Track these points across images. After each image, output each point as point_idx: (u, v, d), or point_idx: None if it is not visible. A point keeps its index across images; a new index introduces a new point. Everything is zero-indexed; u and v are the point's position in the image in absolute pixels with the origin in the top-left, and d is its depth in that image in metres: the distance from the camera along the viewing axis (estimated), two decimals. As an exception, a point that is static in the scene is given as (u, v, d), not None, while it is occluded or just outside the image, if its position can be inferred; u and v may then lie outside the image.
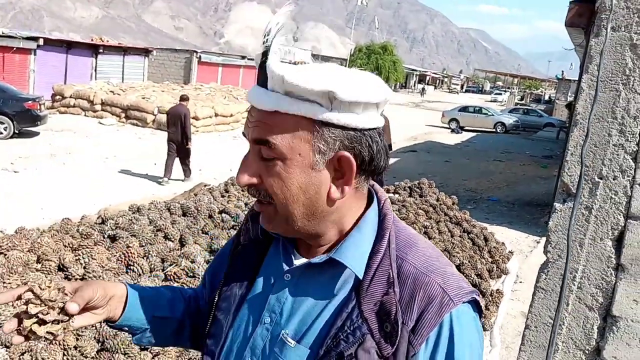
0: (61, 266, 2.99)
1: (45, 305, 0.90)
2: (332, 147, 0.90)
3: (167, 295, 1.20)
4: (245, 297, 1.05)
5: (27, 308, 0.89)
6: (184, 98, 10.72)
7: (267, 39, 0.90)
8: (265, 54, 0.90)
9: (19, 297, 0.91)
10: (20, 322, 0.91)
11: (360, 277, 0.93)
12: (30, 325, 0.89)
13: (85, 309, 0.98)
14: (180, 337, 1.20)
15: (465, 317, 0.92)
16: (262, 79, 0.91)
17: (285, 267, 1.01)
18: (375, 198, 1.02)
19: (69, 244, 3.36)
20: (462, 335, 0.90)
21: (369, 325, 0.90)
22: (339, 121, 0.88)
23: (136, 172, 11.41)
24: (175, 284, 3.19)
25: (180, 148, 10.42)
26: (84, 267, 3.03)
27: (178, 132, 10.26)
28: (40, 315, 0.89)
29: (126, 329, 1.11)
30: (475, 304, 0.94)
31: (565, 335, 2.56)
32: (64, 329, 0.92)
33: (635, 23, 2.37)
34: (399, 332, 0.88)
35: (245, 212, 4.79)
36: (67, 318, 0.92)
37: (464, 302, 0.91)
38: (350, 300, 0.93)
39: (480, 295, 0.99)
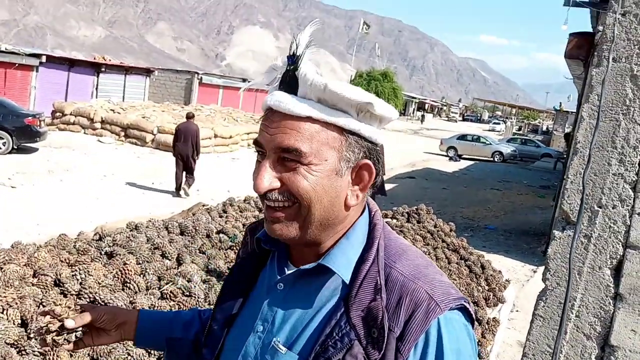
0: (57, 281, 2.97)
1: (55, 318, 1.12)
2: (357, 156, 0.96)
3: (184, 317, 1.27)
4: (240, 308, 1.08)
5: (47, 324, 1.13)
6: (189, 116, 11.37)
7: (296, 49, 0.94)
8: (293, 63, 0.93)
9: (45, 314, 1.16)
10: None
11: (347, 282, 0.95)
12: (44, 333, 1.13)
13: (97, 329, 1.16)
14: (199, 357, 1.22)
15: (455, 324, 0.92)
16: (288, 86, 0.94)
17: (278, 277, 1.03)
18: (367, 209, 1.05)
19: (65, 259, 3.34)
20: (452, 342, 0.90)
21: (357, 331, 0.91)
22: (364, 132, 0.95)
23: (134, 191, 11.39)
24: (171, 303, 3.17)
25: (186, 161, 10.97)
26: (80, 283, 3.01)
27: (188, 146, 10.88)
28: (49, 325, 1.12)
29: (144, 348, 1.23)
30: (465, 312, 0.94)
31: (563, 364, 2.54)
32: (69, 342, 1.14)
33: (636, 54, 2.40)
34: (386, 338, 0.89)
35: (242, 233, 4.78)
36: (65, 332, 1.12)
37: (452, 309, 0.92)
38: (339, 307, 0.94)
39: (470, 303, 0.98)
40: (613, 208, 2.45)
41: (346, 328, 0.91)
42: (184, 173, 11.14)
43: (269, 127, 0.94)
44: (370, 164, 0.97)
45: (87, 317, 1.14)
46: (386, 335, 0.89)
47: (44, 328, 1.13)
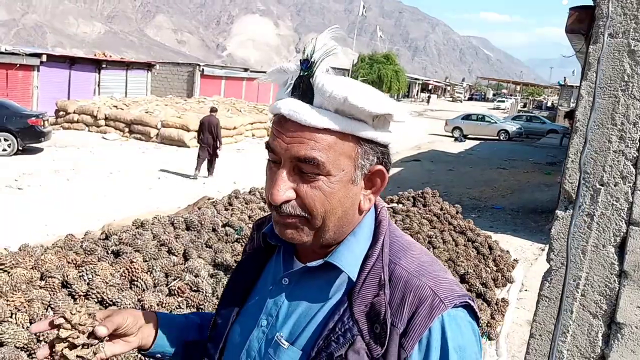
0: (65, 283, 3.00)
1: (75, 329, 0.94)
2: (370, 162, 0.96)
3: (196, 320, 1.24)
4: (244, 302, 1.09)
5: (58, 333, 0.94)
6: (213, 109, 13.18)
7: (312, 54, 0.91)
8: (308, 69, 0.90)
9: (52, 325, 0.96)
10: (52, 348, 0.95)
11: (354, 279, 0.95)
12: (62, 350, 0.94)
13: (117, 336, 1.03)
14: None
15: (460, 321, 0.92)
16: (303, 94, 0.91)
17: (283, 272, 1.04)
18: (373, 206, 1.04)
19: (72, 260, 3.36)
20: (455, 338, 0.90)
21: (360, 326, 0.91)
22: (378, 139, 0.95)
23: (141, 187, 11.44)
24: (179, 299, 3.19)
25: (211, 150, 12.65)
26: (88, 284, 3.03)
27: (211, 137, 12.55)
28: (70, 339, 0.93)
29: (159, 355, 1.14)
30: (469, 309, 0.94)
31: (570, 343, 2.54)
32: (95, 353, 0.96)
33: (633, 29, 2.37)
34: (388, 333, 0.89)
35: (250, 225, 4.79)
36: (97, 342, 0.96)
37: (456, 306, 0.92)
38: (343, 302, 0.94)
39: (474, 301, 0.98)
40: (615, 185, 2.43)
41: (349, 323, 0.92)
42: (206, 159, 12.79)
43: (284, 135, 0.92)
44: (383, 169, 0.97)
45: (117, 320, 1.01)
46: (389, 330, 0.89)
47: (64, 343, 0.94)
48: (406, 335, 0.89)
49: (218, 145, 12.70)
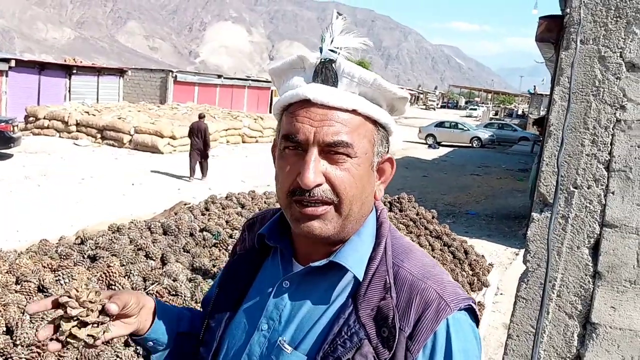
0: (41, 287, 2.95)
1: (84, 307, 0.88)
2: (384, 150, 0.99)
3: (187, 314, 1.20)
4: (239, 305, 1.06)
5: (65, 311, 0.88)
6: (201, 116, 13.99)
7: (331, 41, 0.93)
8: (329, 55, 0.92)
9: (56, 304, 0.90)
10: (56, 329, 0.89)
11: (360, 279, 0.94)
12: (70, 329, 0.87)
13: (118, 317, 0.97)
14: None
15: (463, 324, 0.92)
16: (326, 79, 0.92)
17: (283, 274, 1.02)
18: (373, 206, 1.04)
19: (48, 264, 3.31)
20: (460, 342, 0.90)
21: (366, 330, 0.90)
22: (390, 126, 0.98)
23: (114, 193, 11.28)
24: (158, 303, 3.16)
25: (201, 153, 13.41)
26: (65, 288, 2.99)
27: (201, 141, 13.35)
28: (81, 317, 0.88)
29: (150, 343, 1.08)
30: (471, 312, 0.95)
31: (547, 343, 2.60)
32: (104, 332, 0.91)
33: (603, 36, 2.45)
34: (397, 337, 0.89)
35: (227, 230, 4.77)
36: (108, 319, 0.91)
37: (460, 309, 0.92)
38: (347, 306, 0.93)
39: (476, 304, 1.00)
40: (588, 188, 2.50)
41: (355, 327, 0.91)
42: (198, 162, 13.56)
43: (311, 119, 0.91)
44: (392, 158, 1.01)
45: (124, 298, 0.96)
46: (397, 334, 0.89)
47: (73, 321, 0.87)
48: (413, 339, 0.89)
49: (208, 149, 13.53)
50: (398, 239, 1.02)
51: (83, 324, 0.88)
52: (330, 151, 0.91)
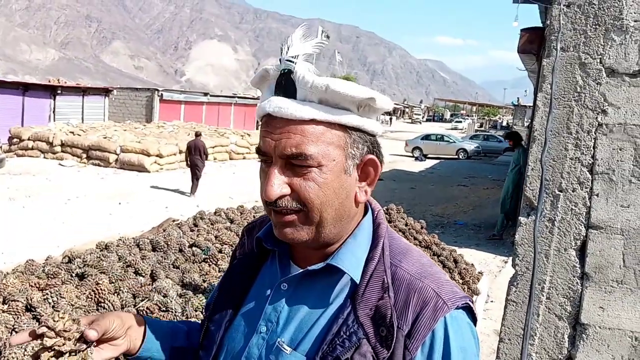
0: (29, 306, 2.91)
1: (60, 336, 0.90)
2: (361, 152, 0.97)
3: (183, 327, 1.20)
4: (238, 308, 1.06)
5: (42, 342, 0.89)
6: (197, 134, 14.57)
7: (288, 51, 0.93)
8: (287, 66, 0.92)
9: (34, 335, 0.91)
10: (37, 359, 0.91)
11: (357, 282, 0.95)
12: (48, 359, 0.89)
13: (104, 341, 0.97)
14: None
15: (461, 322, 0.93)
16: (286, 90, 0.93)
17: (281, 277, 1.02)
18: (370, 208, 1.05)
19: (35, 284, 3.27)
20: (458, 340, 0.91)
21: (365, 330, 0.91)
22: (367, 127, 0.96)
23: (100, 213, 11.19)
24: (148, 319, 3.13)
25: (195, 170, 13.74)
26: (53, 306, 2.95)
27: (197, 158, 13.75)
28: (57, 347, 0.89)
29: None
30: (469, 311, 0.96)
31: (538, 345, 2.62)
32: (83, 359, 0.92)
33: (583, 43, 2.51)
34: (395, 336, 0.90)
35: (216, 245, 4.76)
36: (85, 347, 0.92)
37: (457, 308, 0.93)
38: (346, 306, 0.94)
39: (473, 303, 1.01)
40: (573, 191, 2.54)
41: (354, 326, 0.91)
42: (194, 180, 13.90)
43: (272, 133, 0.93)
44: (375, 158, 0.98)
45: (104, 323, 0.96)
46: (395, 333, 0.90)
47: (50, 352, 0.89)
48: (411, 337, 0.90)
49: (203, 165, 13.98)
50: (396, 240, 1.03)
51: (60, 354, 0.90)
52: (293, 162, 0.92)
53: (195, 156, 13.81)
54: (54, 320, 0.91)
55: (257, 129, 28.81)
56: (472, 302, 0.97)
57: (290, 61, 0.92)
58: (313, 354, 0.93)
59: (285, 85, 0.92)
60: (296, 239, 0.95)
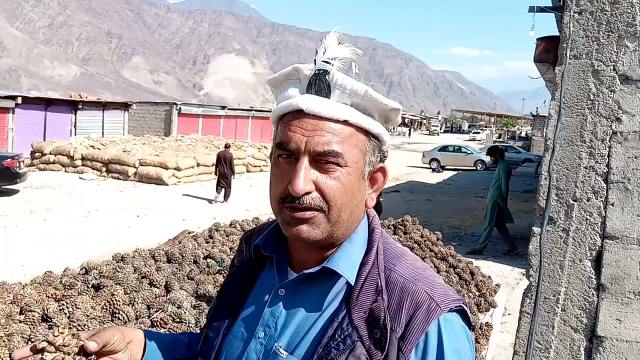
0: (45, 316, 2.94)
1: (60, 351, 0.91)
2: (376, 159, 1.02)
3: (184, 339, 1.21)
4: (237, 315, 1.07)
5: (42, 357, 0.91)
6: (227, 146, 15.84)
7: (324, 52, 0.97)
8: (323, 67, 0.96)
9: (35, 349, 0.92)
10: None
11: (352, 284, 0.96)
12: None
13: (105, 354, 0.98)
14: None
15: (455, 325, 0.93)
16: (319, 90, 0.95)
17: (279, 282, 1.04)
18: (365, 214, 1.07)
19: (52, 294, 3.31)
20: (451, 342, 0.91)
21: (359, 332, 0.92)
22: (383, 136, 1.02)
23: (119, 225, 11.31)
24: (162, 330, 3.15)
25: (226, 181, 14.87)
26: (68, 317, 2.98)
27: (226, 169, 14.82)
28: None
29: None
30: (463, 314, 0.96)
31: (553, 358, 2.57)
32: None
33: (595, 50, 2.49)
34: (388, 338, 0.90)
35: (230, 257, 4.77)
36: (85, 359, 0.93)
37: (451, 310, 0.93)
38: (341, 310, 0.95)
39: (468, 305, 1.00)
40: (587, 200, 2.51)
41: (348, 329, 0.92)
42: (223, 188, 14.97)
43: (303, 129, 0.94)
44: (385, 167, 1.04)
45: (104, 336, 0.97)
46: (389, 335, 0.90)
47: None
48: (404, 339, 0.90)
49: (233, 176, 15.13)
50: (390, 244, 1.04)
51: None
52: (321, 160, 0.93)
53: (222, 166, 14.77)
54: (54, 335, 0.93)
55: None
56: (466, 305, 0.97)
57: (327, 62, 0.95)
58: (309, 358, 0.94)
59: (319, 85, 0.95)
60: (311, 237, 0.96)
